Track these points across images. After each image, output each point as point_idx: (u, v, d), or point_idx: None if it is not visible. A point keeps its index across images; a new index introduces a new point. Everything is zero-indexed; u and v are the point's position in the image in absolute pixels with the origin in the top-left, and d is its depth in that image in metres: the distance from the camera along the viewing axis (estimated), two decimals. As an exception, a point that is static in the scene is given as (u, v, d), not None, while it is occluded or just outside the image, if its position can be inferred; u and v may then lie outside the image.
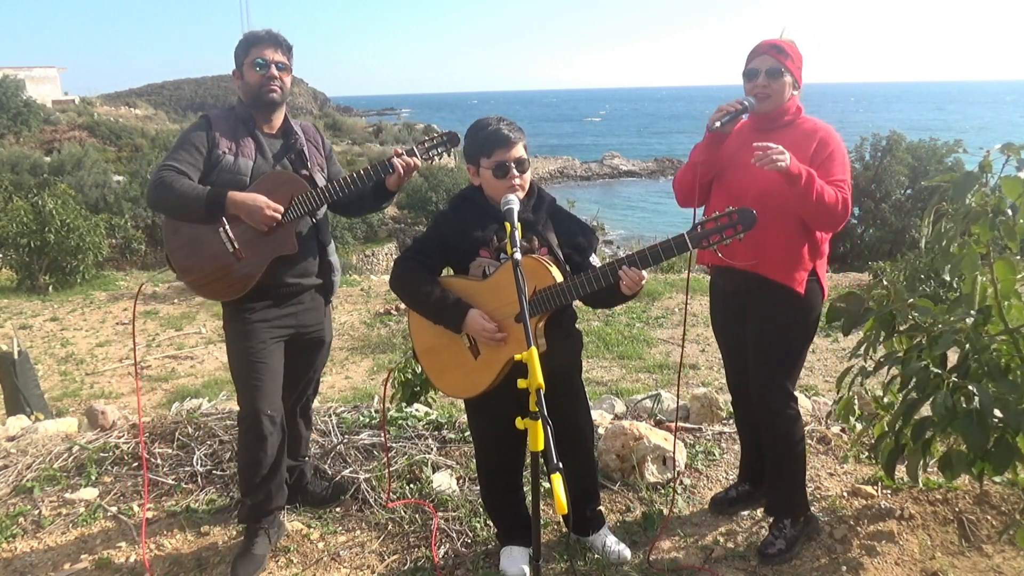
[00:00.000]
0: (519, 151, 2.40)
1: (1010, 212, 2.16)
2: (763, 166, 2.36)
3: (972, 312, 2.33)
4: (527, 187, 2.45)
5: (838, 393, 3.00)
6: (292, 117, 2.91)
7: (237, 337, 2.72)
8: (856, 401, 3.02)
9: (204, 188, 2.56)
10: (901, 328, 2.56)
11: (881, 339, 2.63)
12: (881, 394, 2.93)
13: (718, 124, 2.55)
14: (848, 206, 2.50)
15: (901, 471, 3.00)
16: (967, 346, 2.31)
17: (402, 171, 2.72)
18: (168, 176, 2.56)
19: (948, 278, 2.34)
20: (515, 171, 2.38)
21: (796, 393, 2.77)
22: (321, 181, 2.80)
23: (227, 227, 2.61)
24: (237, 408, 2.80)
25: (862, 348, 2.62)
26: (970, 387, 2.25)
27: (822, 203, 2.44)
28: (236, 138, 2.68)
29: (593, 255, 2.53)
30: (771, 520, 2.80)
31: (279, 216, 2.62)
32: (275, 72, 2.68)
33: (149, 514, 3.17)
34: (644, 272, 2.28)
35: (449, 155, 2.93)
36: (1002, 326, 2.33)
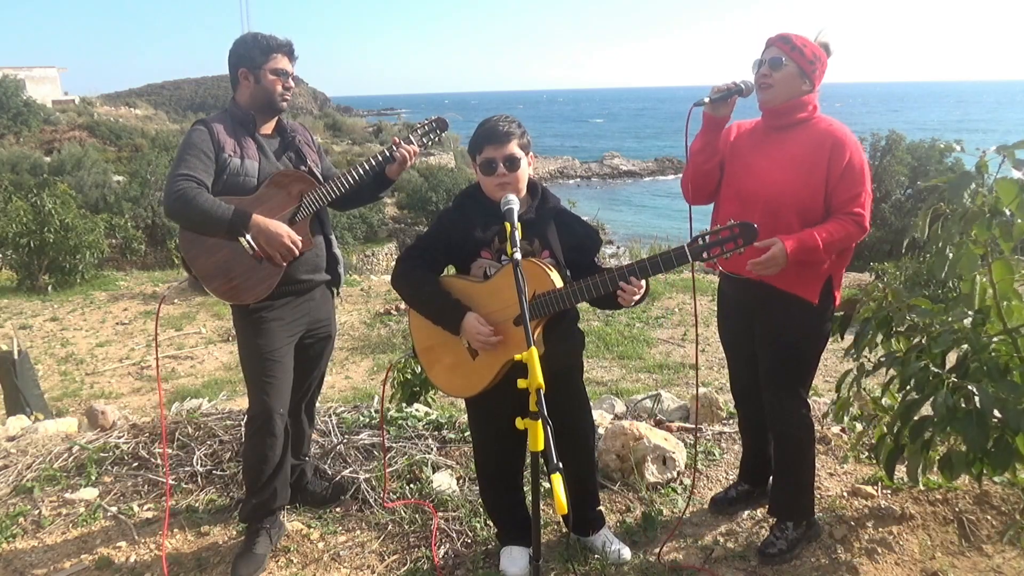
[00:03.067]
0: (511, 149, 2.37)
1: (1008, 212, 2.15)
2: (763, 274, 2.39)
3: (970, 313, 2.33)
4: (521, 186, 2.43)
5: (837, 395, 2.99)
6: (292, 117, 2.94)
7: (252, 335, 2.72)
8: (856, 402, 3.02)
9: (228, 208, 2.53)
10: (899, 329, 2.56)
11: (879, 341, 2.63)
12: (880, 395, 2.93)
13: (705, 100, 2.53)
14: (863, 224, 2.45)
15: (901, 471, 2.99)
16: (966, 346, 2.32)
17: (404, 159, 2.81)
18: (190, 189, 2.51)
19: (943, 279, 2.34)
20: (503, 168, 2.37)
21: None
22: (319, 177, 2.83)
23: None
24: (238, 408, 2.80)
25: (859, 347, 2.61)
26: (970, 387, 2.25)
27: (833, 248, 2.44)
28: (238, 140, 2.68)
29: (596, 256, 2.52)
30: (773, 521, 2.80)
31: (296, 251, 2.64)
32: (291, 83, 2.76)
33: (149, 514, 3.17)
34: (642, 282, 2.27)
35: (440, 139, 2.99)
36: (1001, 326, 2.33)
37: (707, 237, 2.19)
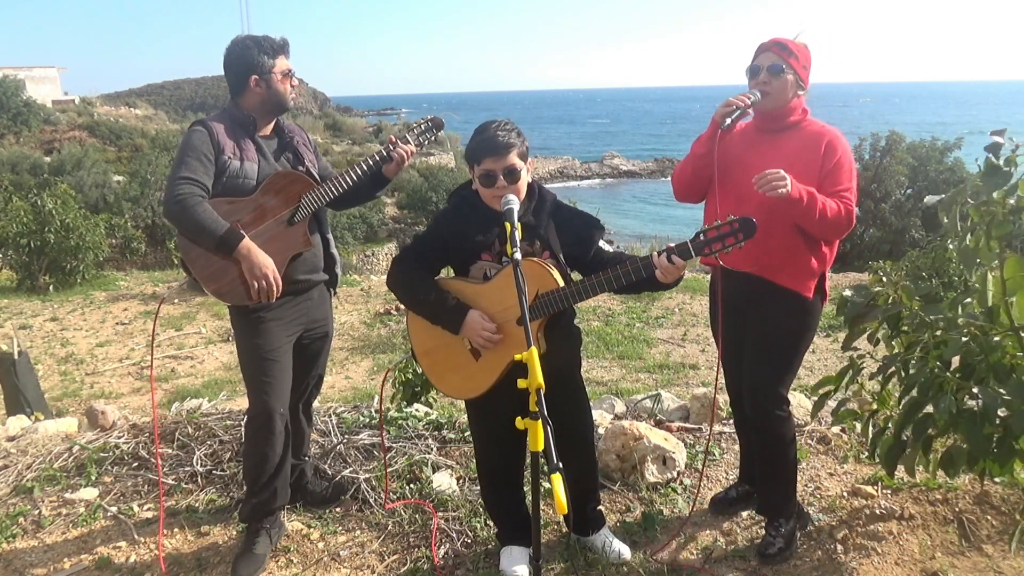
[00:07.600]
0: (510, 160, 2.34)
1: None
2: (764, 192, 2.38)
3: (980, 313, 2.31)
4: (521, 194, 2.40)
5: (837, 389, 2.97)
6: (292, 117, 2.93)
7: (250, 335, 2.72)
8: (854, 399, 2.99)
9: (222, 225, 2.52)
10: (906, 328, 2.54)
11: (886, 338, 2.61)
12: (880, 388, 2.91)
13: (728, 121, 2.53)
14: (852, 216, 2.50)
15: (901, 471, 2.99)
16: (973, 347, 2.30)
17: (401, 159, 2.81)
18: (191, 196, 2.51)
19: (967, 275, 2.32)
20: (503, 181, 2.35)
21: (793, 393, 2.78)
22: (317, 177, 2.83)
23: (243, 231, 2.60)
24: (238, 408, 2.80)
25: (848, 344, 2.59)
26: (974, 390, 2.24)
27: (825, 220, 2.45)
28: (237, 142, 2.68)
29: (601, 241, 2.50)
30: (766, 520, 2.80)
31: (274, 294, 2.62)
32: (296, 80, 2.77)
33: (149, 514, 3.17)
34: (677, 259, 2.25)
35: (437, 139, 2.99)
36: (1008, 323, 2.31)
37: (707, 232, 2.21)
